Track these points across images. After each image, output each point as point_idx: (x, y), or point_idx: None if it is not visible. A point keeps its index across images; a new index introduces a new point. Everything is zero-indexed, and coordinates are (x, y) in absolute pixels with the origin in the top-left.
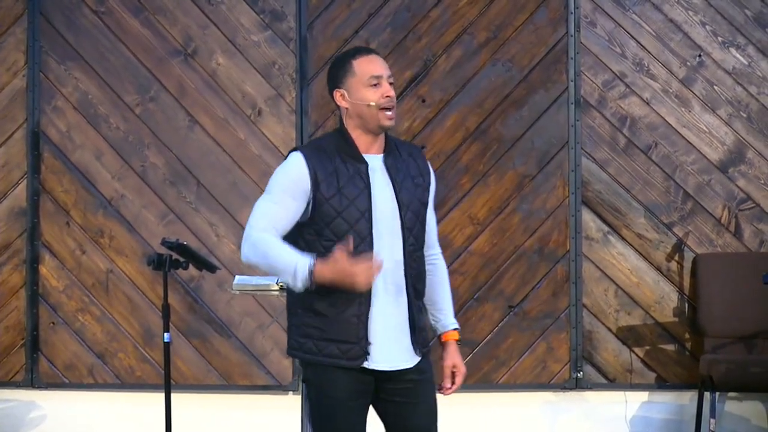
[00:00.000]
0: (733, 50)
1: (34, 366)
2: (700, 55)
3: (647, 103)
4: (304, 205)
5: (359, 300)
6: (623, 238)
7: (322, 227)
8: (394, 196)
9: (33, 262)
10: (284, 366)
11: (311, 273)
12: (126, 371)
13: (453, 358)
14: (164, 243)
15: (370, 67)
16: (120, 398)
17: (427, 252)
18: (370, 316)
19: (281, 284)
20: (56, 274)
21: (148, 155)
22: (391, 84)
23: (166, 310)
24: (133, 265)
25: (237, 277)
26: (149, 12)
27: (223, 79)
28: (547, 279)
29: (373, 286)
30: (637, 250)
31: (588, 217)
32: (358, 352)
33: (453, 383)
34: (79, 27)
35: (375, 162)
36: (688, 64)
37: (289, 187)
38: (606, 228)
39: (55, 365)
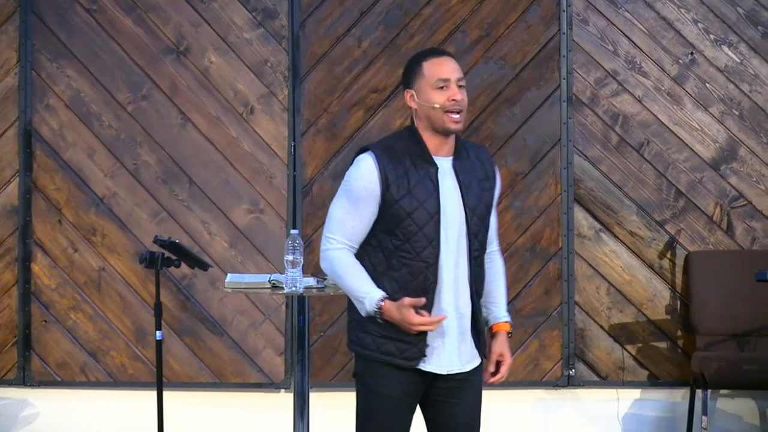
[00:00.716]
0: (725, 48)
1: (27, 364)
2: (692, 53)
3: (639, 101)
4: (377, 209)
5: (429, 302)
6: (615, 236)
7: (393, 227)
8: (461, 200)
9: (25, 260)
10: (276, 364)
11: (379, 309)
12: (118, 369)
13: (501, 347)
14: (156, 241)
15: (438, 69)
16: (112, 396)
17: (487, 248)
18: (433, 317)
19: (273, 282)
20: (48, 272)
21: (140, 153)
22: (461, 87)
23: (158, 308)
24: (125, 263)
25: (229, 275)
26: (141, 10)
27: (215, 77)
28: (539, 277)
29: (436, 289)
30: (629, 248)
31: (580, 215)
32: (415, 353)
33: (498, 372)
34: (71, 25)
35: (444, 165)
36: (681, 61)
37: (361, 195)
38: (598, 225)
39: (48, 363)
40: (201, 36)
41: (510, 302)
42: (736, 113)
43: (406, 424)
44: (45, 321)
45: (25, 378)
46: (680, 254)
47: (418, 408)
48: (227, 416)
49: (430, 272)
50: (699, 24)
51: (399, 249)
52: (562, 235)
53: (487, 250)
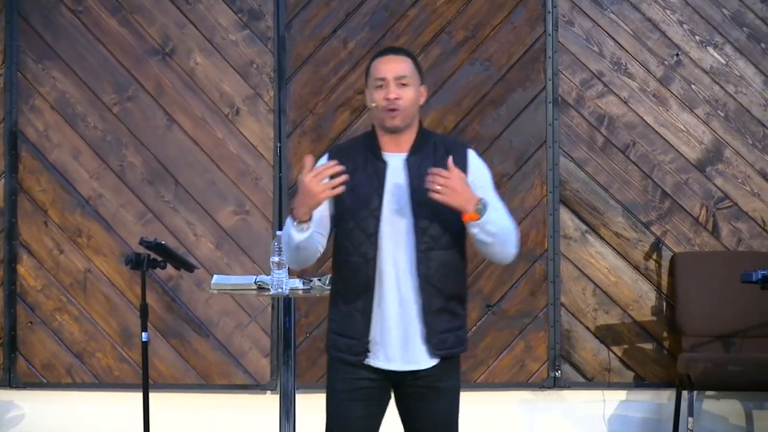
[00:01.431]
0: (710, 49)
1: (12, 366)
2: (677, 54)
3: (625, 102)
4: (327, 205)
5: (364, 296)
6: (601, 237)
7: (339, 223)
8: (409, 195)
9: (11, 262)
10: (262, 365)
11: (291, 210)
12: (104, 371)
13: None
14: (142, 242)
15: (378, 68)
16: (98, 398)
17: None
18: (373, 313)
19: (259, 284)
20: (34, 273)
21: (126, 155)
22: (403, 85)
23: (144, 310)
24: (111, 265)
25: (215, 276)
26: (127, 11)
27: (201, 78)
28: (525, 278)
29: (377, 285)
30: (615, 249)
31: (566, 216)
32: (360, 348)
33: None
34: (56, 26)
35: (396, 161)
36: (666, 63)
37: None
38: (584, 227)
39: (33, 365)
40: (186, 37)
41: (496, 303)
42: (722, 114)
43: (357, 419)
44: (31, 322)
45: (10, 380)
46: (666, 255)
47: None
48: (213, 418)
49: (369, 267)
50: (684, 25)
51: (343, 245)
52: (548, 236)
53: None
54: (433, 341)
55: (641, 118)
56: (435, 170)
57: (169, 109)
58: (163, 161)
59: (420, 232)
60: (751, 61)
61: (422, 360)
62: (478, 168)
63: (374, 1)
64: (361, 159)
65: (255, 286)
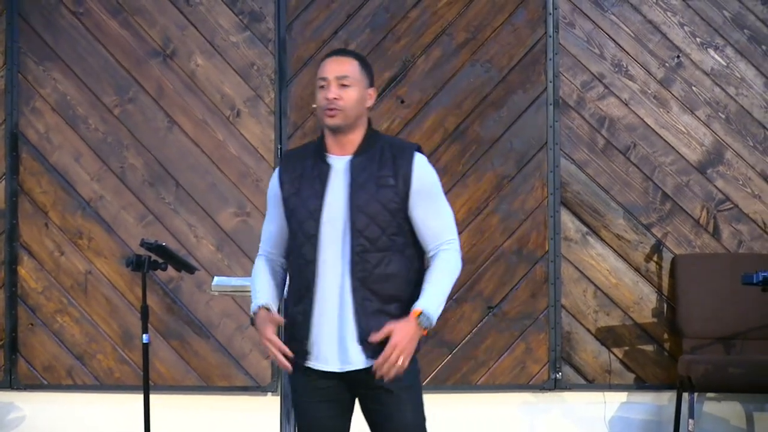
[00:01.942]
0: (711, 51)
1: (13, 367)
2: (678, 56)
3: (626, 104)
4: (281, 210)
5: (305, 299)
6: (602, 239)
7: (288, 227)
8: (348, 197)
9: (11, 264)
10: (263, 367)
11: (253, 315)
12: (105, 372)
13: (395, 325)
14: (143, 244)
15: (322, 69)
16: (99, 399)
17: (426, 250)
18: (312, 315)
19: None
20: (35, 275)
21: (126, 156)
22: (343, 86)
23: (144, 312)
24: (111, 267)
25: (216, 278)
26: (128, 13)
27: (201, 80)
28: (526, 280)
29: (316, 287)
30: (615, 251)
31: (567, 218)
32: (301, 351)
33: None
34: (57, 28)
35: (340, 163)
36: (667, 65)
37: (270, 199)
38: (585, 229)
39: (34, 366)
40: (187, 39)
41: (496, 305)
42: (723, 116)
43: (318, 419)
44: (31, 324)
45: (11, 381)
46: (667, 257)
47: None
48: (214, 419)
49: (309, 270)
50: (685, 27)
51: (290, 249)
52: (549, 238)
53: (428, 249)
54: (366, 344)
55: (642, 119)
56: (377, 365)
57: (170, 110)
58: (163, 163)
59: (356, 234)
60: (751, 63)
61: (356, 361)
62: (422, 174)
63: (375, 2)
64: (309, 163)
65: None
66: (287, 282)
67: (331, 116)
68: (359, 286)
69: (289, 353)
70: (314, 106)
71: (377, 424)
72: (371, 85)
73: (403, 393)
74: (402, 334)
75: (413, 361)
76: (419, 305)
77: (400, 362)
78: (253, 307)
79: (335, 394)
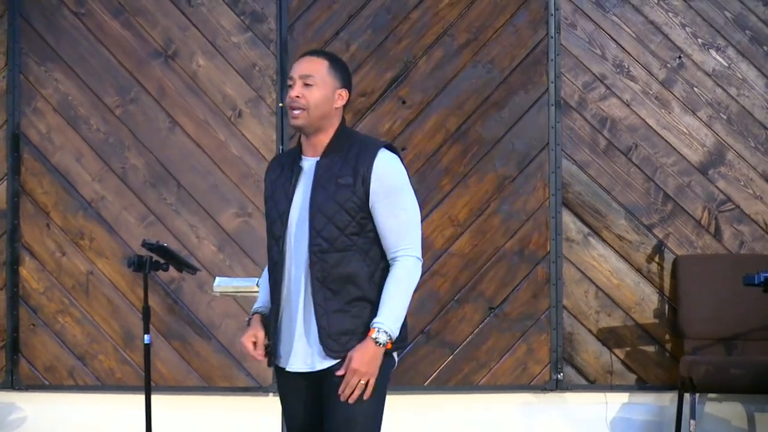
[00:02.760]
0: (713, 52)
1: (15, 368)
2: (680, 57)
3: (627, 105)
4: None
5: (275, 298)
6: (603, 240)
7: None
8: (310, 197)
9: (13, 264)
10: (264, 368)
11: (247, 322)
12: (106, 373)
13: (355, 349)
14: (144, 245)
15: (292, 69)
16: (100, 400)
17: (387, 254)
18: (280, 315)
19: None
20: (36, 275)
21: (128, 157)
22: (307, 86)
23: (146, 312)
24: (113, 267)
25: (217, 278)
26: (129, 13)
27: (203, 80)
28: (527, 280)
29: (284, 286)
30: (617, 252)
31: (568, 219)
32: (272, 351)
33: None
34: (59, 29)
35: (309, 164)
36: (668, 65)
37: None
38: (586, 229)
39: (36, 367)
40: (189, 40)
41: (498, 306)
42: (724, 117)
43: (295, 418)
44: (33, 325)
45: (13, 382)
46: (668, 258)
47: None
48: (215, 420)
49: (277, 269)
50: (687, 28)
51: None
52: (550, 239)
53: (390, 255)
54: (327, 342)
55: (643, 120)
56: (341, 391)
57: (172, 111)
58: (165, 163)
59: (314, 234)
60: (753, 63)
61: (317, 361)
62: (382, 173)
63: (376, 3)
64: (287, 165)
65: (257, 288)
66: None
67: (294, 116)
68: (319, 286)
69: (258, 358)
70: (281, 104)
71: (327, 423)
72: (344, 86)
73: (359, 401)
74: (358, 359)
75: (381, 374)
76: (374, 323)
77: (363, 383)
78: (252, 310)
79: (307, 393)
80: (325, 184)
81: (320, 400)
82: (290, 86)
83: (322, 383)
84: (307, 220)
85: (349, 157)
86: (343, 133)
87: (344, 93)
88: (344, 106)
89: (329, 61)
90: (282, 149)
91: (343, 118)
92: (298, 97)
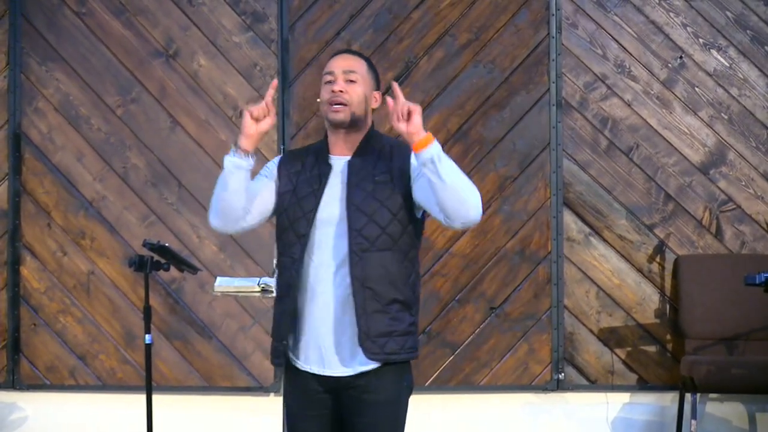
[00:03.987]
0: (714, 52)
1: (16, 367)
2: (681, 57)
3: (628, 105)
4: (273, 188)
5: (287, 298)
6: (605, 240)
7: (277, 224)
8: (345, 197)
9: (14, 264)
10: (266, 368)
11: (234, 145)
12: (107, 373)
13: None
14: (146, 244)
15: (329, 64)
16: (101, 400)
17: None
18: (300, 315)
19: (262, 286)
20: (37, 275)
21: (129, 157)
22: (351, 81)
23: (147, 312)
24: (114, 267)
25: (218, 278)
26: (130, 13)
27: (204, 80)
28: (528, 280)
29: (302, 287)
30: (618, 252)
31: (569, 219)
32: (279, 352)
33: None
34: (60, 28)
35: (340, 164)
36: (670, 65)
37: (263, 170)
38: (587, 229)
39: (37, 367)
40: (190, 39)
41: (499, 306)
42: (725, 117)
43: (302, 420)
44: (34, 324)
45: (14, 381)
46: (669, 258)
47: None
48: (216, 420)
49: (294, 269)
50: (688, 28)
51: (278, 247)
52: (552, 239)
53: None
54: (367, 344)
55: (645, 120)
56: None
57: (173, 111)
58: (166, 163)
59: (354, 233)
60: (754, 63)
61: (355, 364)
62: (410, 159)
63: (378, 3)
64: (310, 161)
65: (258, 288)
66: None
67: (336, 111)
68: (359, 286)
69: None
70: (318, 100)
71: (348, 420)
72: (377, 88)
73: (388, 407)
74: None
75: (399, 374)
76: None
77: (411, 109)
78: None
79: (318, 397)
80: (360, 183)
81: (334, 407)
82: (330, 81)
83: (341, 389)
84: (345, 220)
85: (382, 156)
86: (374, 134)
87: (378, 96)
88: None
89: (366, 62)
90: (283, 149)
91: (373, 121)
92: (341, 91)
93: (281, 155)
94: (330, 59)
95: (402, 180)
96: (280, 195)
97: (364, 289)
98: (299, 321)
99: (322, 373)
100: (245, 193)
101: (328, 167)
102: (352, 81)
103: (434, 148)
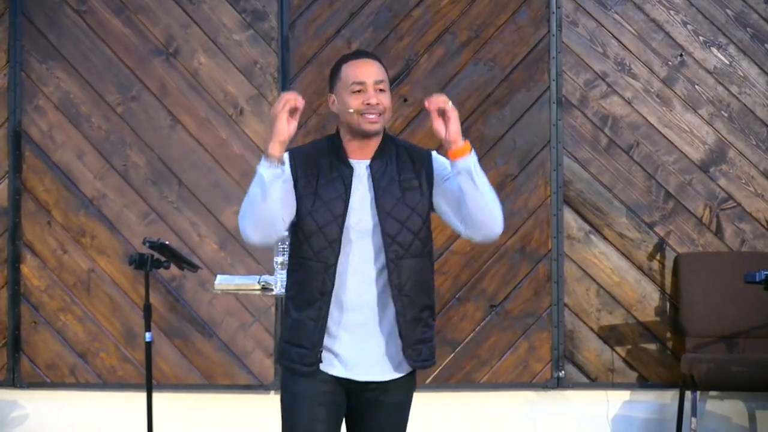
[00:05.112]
0: (714, 50)
1: (16, 365)
2: (681, 55)
3: (629, 103)
4: (293, 191)
5: (319, 304)
6: (605, 238)
7: (299, 227)
8: (373, 203)
9: (14, 262)
10: (266, 366)
11: (264, 153)
12: (108, 371)
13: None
14: (146, 242)
15: (355, 72)
16: (102, 398)
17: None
18: (330, 321)
19: (263, 284)
20: (38, 273)
21: (129, 155)
22: (381, 91)
23: (147, 310)
24: (114, 265)
25: (218, 276)
26: (131, 11)
27: (204, 78)
28: (528, 278)
29: (335, 292)
30: (618, 250)
31: (569, 217)
32: (311, 359)
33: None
34: (60, 26)
35: (361, 168)
36: (670, 63)
37: None
38: (587, 227)
39: (37, 365)
40: (190, 37)
41: (499, 304)
42: (726, 115)
43: (318, 422)
44: (34, 322)
45: (14, 379)
46: (669, 256)
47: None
48: (217, 418)
49: (329, 275)
50: (688, 26)
51: (301, 250)
52: (552, 236)
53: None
54: (407, 352)
55: (645, 118)
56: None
57: (173, 109)
58: (166, 161)
59: (389, 240)
60: (754, 61)
61: (394, 370)
62: (441, 163)
63: (378, 1)
64: (326, 163)
65: (259, 287)
66: (289, 283)
67: (374, 122)
68: (397, 294)
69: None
70: (351, 111)
71: (364, 430)
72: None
73: (402, 409)
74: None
75: (415, 377)
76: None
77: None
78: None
79: (334, 400)
80: (388, 188)
81: (341, 409)
82: (361, 91)
83: (360, 390)
84: (375, 226)
85: (403, 161)
86: (388, 137)
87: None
88: None
89: (383, 65)
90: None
91: None
92: (378, 103)
93: (288, 155)
94: (352, 64)
95: (428, 186)
96: (301, 197)
97: (402, 296)
98: (329, 327)
99: (350, 378)
100: (284, 202)
101: (350, 170)
102: (382, 90)
103: (472, 158)
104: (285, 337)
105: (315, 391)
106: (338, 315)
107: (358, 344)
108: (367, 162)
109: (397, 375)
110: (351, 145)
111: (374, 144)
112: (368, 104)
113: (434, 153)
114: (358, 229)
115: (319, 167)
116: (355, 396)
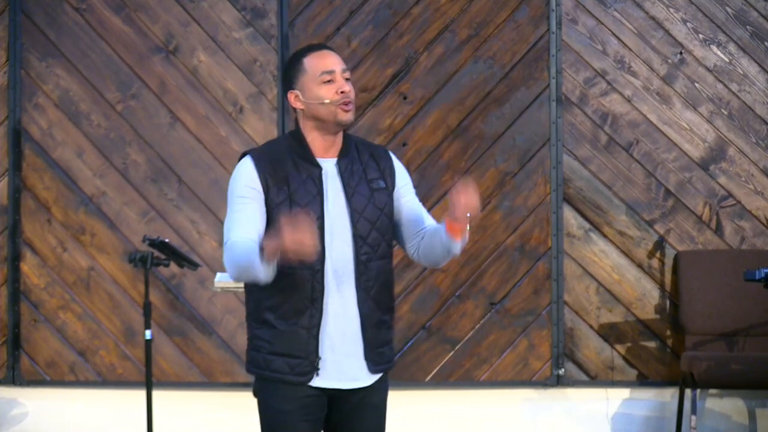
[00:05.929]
0: (714, 47)
1: (16, 363)
2: (681, 53)
3: (628, 101)
4: (263, 207)
5: (310, 311)
6: (605, 236)
7: (279, 235)
8: (346, 202)
9: (14, 260)
10: None
11: (262, 251)
12: (107, 369)
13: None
14: (146, 240)
15: (321, 62)
16: (101, 396)
17: (420, 229)
18: (321, 329)
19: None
20: (37, 271)
21: (129, 152)
22: (347, 79)
23: (147, 308)
24: (114, 263)
25: (218, 274)
26: (130, 9)
27: (204, 76)
28: (528, 276)
29: (324, 298)
30: (618, 248)
31: (569, 215)
32: (306, 368)
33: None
34: (60, 24)
35: (329, 166)
36: (670, 61)
37: (243, 191)
38: (587, 225)
39: (37, 363)
40: (190, 35)
41: (499, 302)
42: (725, 113)
43: (289, 426)
44: (34, 320)
45: (14, 377)
46: (669, 254)
47: None
48: (216, 416)
49: (317, 280)
50: (688, 24)
51: (281, 258)
52: (552, 234)
53: (426, 227)
54: (372, 356)
55: (645, 116)
56: (461, 194)
57: (173, 107)
58: (166, 159)
59: (360, 241)
60: (754, 59)
61: (363, 377)
62: (402, 170)
63: None
64: (292, 164)
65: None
66: (266, 294)
67: (348, 111)
68: (365, 296)
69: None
70: (326, 101)
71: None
72: None
73: (381, 409)
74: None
75: (387, 376)
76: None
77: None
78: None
79: (318, 411)
80: (357, 187)
81: (321, 418)
82: (331, 81)
83: (342, 396)
84: (349, 227)
85: (365, 160)
86: (347, 134)
87: None
88: None
89: None
90: (245, 154)
91: None
92: (350, 91)
93: (249, 163)
94: (315, 55)
95: (393, 188)
96: (275, 206)
97: (369, 299)
98: (317, 335)
99: (335, 387)
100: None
101: (318, 169)
102: (348, 79)
103: (465, 240)
104: (266, 348)
105: (302, 405)
106: (324, 322)
107: (338, 350)
108: (334, 160)
109: (372, 379)
110: (316, 143)
111: (339, 140)
112: (342, 92)
113: (392, 154)
114: (335, 232)
115: (286, 170)
116: (338, 403)
